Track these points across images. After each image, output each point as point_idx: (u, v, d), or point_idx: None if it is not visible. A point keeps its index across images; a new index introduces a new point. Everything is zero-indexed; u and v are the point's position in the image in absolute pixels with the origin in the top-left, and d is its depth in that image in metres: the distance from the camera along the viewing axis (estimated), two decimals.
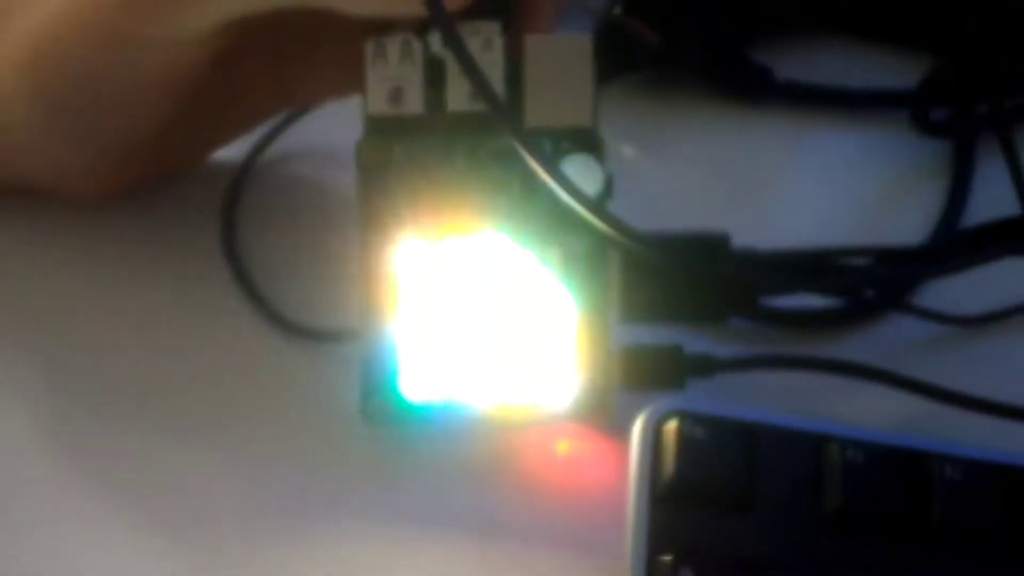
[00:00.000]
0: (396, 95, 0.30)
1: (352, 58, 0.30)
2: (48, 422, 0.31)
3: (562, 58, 0.30)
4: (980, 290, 0.33)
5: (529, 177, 0.29)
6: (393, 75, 0.30)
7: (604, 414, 0.30)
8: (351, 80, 0.30)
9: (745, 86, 0.41)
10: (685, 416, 0.26)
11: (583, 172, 0.29)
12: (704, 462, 0.26)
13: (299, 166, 0.38)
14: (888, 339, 0.34)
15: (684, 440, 0.26)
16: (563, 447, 0.31)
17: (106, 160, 0.33)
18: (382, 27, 0.30)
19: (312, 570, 0.28)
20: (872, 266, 0.32)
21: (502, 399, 0.30)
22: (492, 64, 0.29)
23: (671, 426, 0.26)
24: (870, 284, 0.33)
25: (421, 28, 0.31)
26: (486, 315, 0.30)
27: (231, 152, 0.37)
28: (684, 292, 0.30)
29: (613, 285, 0.30)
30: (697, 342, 0.32)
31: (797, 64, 0.41)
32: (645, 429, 0.27)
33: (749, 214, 0.37)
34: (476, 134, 0.30)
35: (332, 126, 0.35)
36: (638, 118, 0.40)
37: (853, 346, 0.33)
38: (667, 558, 0.25)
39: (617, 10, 0.40)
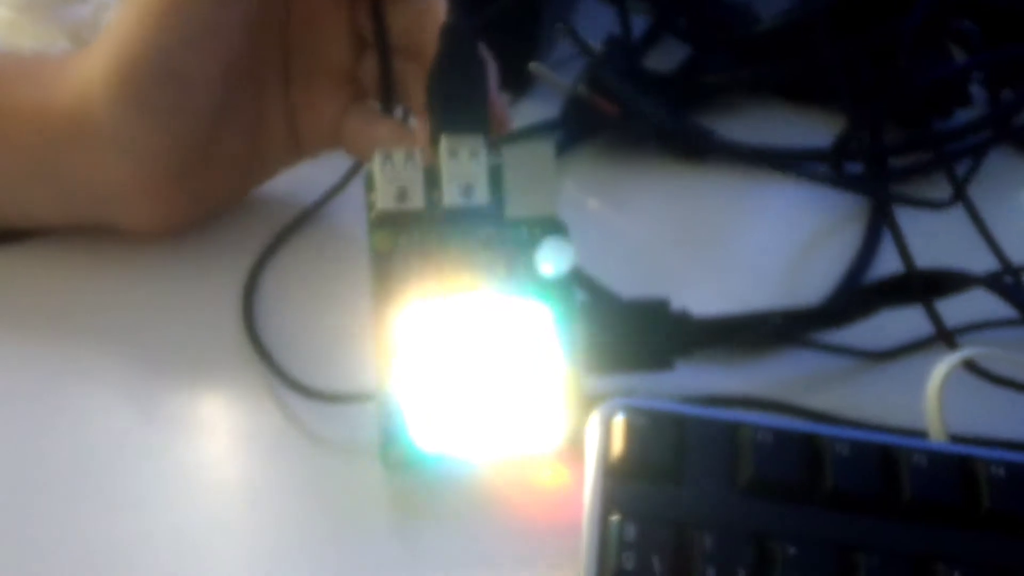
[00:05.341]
0: (402, 194, 0.36)
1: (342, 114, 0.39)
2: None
3: (531, 162, 0.36)
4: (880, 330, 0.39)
5: (511, 258, 0.36)
6: (399, 178, 0.36)
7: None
8: (341, 134, 0.40)
9: (690, 147, 0.48)
10: (630, 409, 0.32)
11: (557, 250, 0.36)
12: (644, 444, 0.31)
13: (314, 255, 0.43)
14: (795, 367, 0.39)
15: (629, 427, 0.31)
16: (547, 480, 0.35)
17: (172, 160, 0.39)
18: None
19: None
20: (777, 325, 0.38)
21: (496, 448, 0.34)
22: (479, 168, 0.36)
23: (619, 417, 0.32)
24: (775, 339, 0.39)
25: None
26: (481, 375, 0.34)
27: (249, 245, 0.43)
28: (637, 347, 0.37)
29: (580, 345, 0.36)
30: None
31: (736, 126, 0.48)
32: (600, 420, 0.32)
33: (695, 252, 0.43)
34: (466, 225, 0.36)
35: (341, 223, 0.43)
36: (601, 175, 0.46)
37: (772, 369, 0.39)
38: (615, 518, 0.30)
39: (582, 87, 0.46)
